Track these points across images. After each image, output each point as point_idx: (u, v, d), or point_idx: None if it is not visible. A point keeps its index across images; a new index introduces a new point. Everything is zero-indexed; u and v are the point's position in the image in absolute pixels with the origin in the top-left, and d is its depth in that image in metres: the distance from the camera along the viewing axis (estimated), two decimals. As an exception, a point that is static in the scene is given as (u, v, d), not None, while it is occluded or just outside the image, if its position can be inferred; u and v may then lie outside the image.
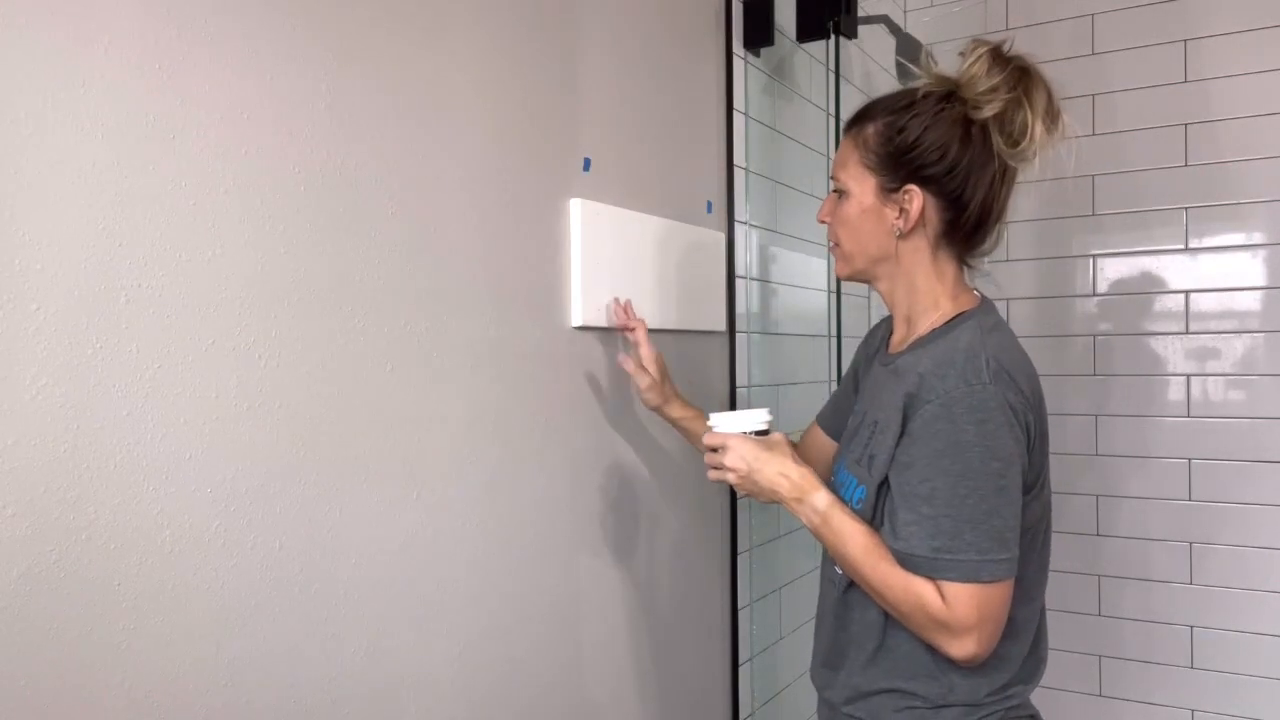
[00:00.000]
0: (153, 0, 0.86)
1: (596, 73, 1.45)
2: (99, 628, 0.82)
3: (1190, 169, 2.30)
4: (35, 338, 0.78)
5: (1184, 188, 2.31)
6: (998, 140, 1.03)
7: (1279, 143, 2.20)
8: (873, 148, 1.06)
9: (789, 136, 2.05)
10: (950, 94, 1.04)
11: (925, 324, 1.09)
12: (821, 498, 1.07)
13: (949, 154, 1.03)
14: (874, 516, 1.07)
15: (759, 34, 1.85)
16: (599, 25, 1.46)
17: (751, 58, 1.88)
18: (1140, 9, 2.35)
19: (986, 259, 1.13)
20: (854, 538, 1.04)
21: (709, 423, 1.16)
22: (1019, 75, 1.02)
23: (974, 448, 0.97)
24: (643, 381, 1.40)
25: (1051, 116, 1.03)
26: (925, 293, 1.10)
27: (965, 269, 1.12)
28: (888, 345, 1.18)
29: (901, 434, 1.02)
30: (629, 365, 1.40)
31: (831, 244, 1.15)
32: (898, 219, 1.06)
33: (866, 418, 1.12)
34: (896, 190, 1.05)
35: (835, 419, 1.36)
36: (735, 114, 1.82)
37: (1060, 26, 2.45)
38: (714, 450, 1.13)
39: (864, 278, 1.14)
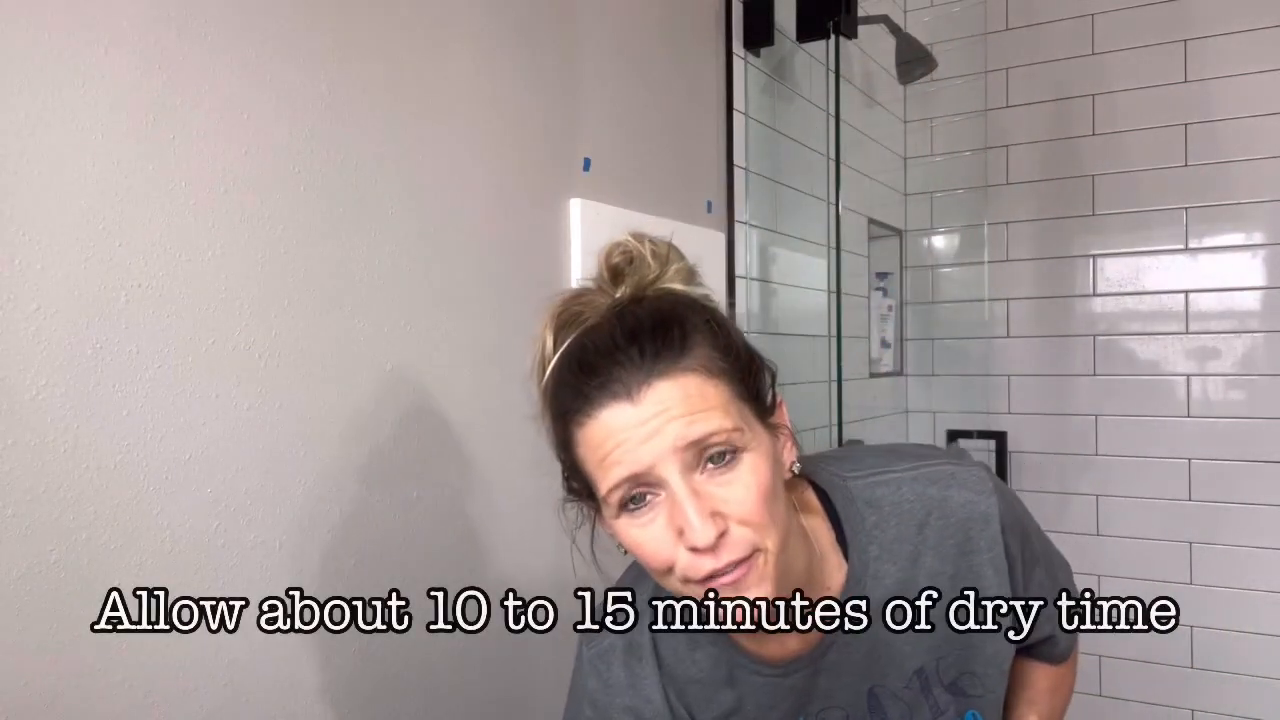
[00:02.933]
0: (153, 0, 0.86)
1: (596, 73, 1.45)
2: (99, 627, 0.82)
3: (1190, 169, 2.30)
4: (35, 338, 0.78)
5: (1184, 188, 2.31)
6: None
7: (1279, 143, 2.21)
8: (730, 370, 0.69)
9: (789, 136, 2.05)
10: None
11: (825, 567, 0.78)
12: None
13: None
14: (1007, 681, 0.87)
15: (759, 34, 1.86)
16: (599, 25, 1.46)
17: (751, 58, 1.88)
18: (1140, 9, 2.35)
19: None
20: (1047, 708, 0.94)
21: None
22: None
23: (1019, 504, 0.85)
24: None
25: None
26: (802, 535, 0.77)
27: None
28: (763, 663, 0.81)
29: (1006, 583, 0.80)
30: None
31: (740, 556, 0.66)
32: (789, 449, 0.75)
33: (921, 676, 0.82)
34: (773, 410, 0.74)
35: None
36: (735, 114, 1.82)
37: (1060, 26, 2.45)
38: None
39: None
